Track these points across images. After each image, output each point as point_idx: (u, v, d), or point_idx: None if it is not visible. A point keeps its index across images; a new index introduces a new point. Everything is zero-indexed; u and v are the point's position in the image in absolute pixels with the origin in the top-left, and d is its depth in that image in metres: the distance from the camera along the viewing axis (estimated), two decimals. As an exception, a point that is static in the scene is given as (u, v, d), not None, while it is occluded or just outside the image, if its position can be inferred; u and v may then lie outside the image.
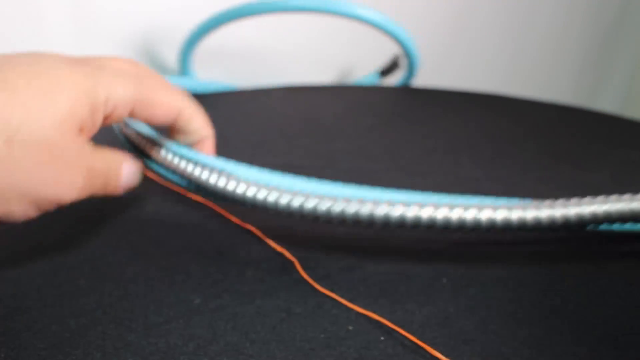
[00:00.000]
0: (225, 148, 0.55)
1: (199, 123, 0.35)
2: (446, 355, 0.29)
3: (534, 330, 0.31)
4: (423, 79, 0.79)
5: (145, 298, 0.33)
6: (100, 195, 0.31)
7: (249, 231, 0.39)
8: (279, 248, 0.37)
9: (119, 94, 0.30)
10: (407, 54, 0.69)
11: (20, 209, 0.28)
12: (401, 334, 0.30)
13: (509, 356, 0.29)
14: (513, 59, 0.92)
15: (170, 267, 0.36)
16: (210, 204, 0.41)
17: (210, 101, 0.68)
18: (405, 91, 0.73)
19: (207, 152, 0.37)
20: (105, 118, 0.30)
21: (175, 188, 0.43)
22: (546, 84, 0.93)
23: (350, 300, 0.32)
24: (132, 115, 0.31)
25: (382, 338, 0.30)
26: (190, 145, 0.36)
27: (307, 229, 0.40)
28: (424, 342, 0.30)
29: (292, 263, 0.36)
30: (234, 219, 0.40)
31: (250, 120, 0.62)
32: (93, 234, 0.38)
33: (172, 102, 0.33)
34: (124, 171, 0.32)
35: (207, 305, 0.32)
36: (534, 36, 0.92)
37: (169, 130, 0.36)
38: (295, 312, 0.32)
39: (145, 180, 0.37)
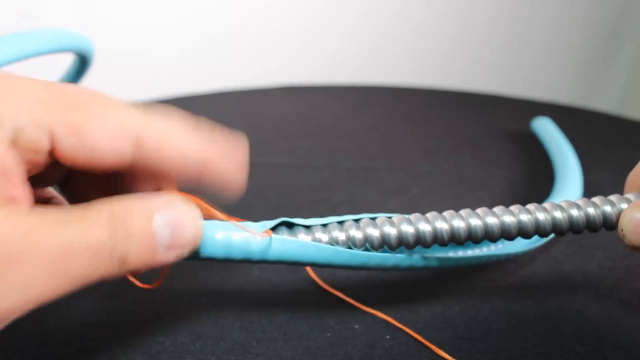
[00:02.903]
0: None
1: (178, 147, 0.23)
2: (451, 355, 0.29)
3: (538, 330, 0.31)
4: (423, 79, 0.80)
5: (153, 297, 0.33)
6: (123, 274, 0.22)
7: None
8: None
9: (22, 113, 0.20)
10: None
11: None
12: (406, 333, 0.30)
13: (514, 355, 0.29)
14: (513, 59, 0.92)
15: (178, 266, 0.35)
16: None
17: (211, 101, 0.68)
18: (405, 91, 0.73)
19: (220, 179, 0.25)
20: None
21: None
22: (546, 84, 0.93)
23: (356, 300, 0.33)
24: (60, 152, 0.21)
25: (387, 337, 0.30)
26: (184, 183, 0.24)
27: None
28: (429, 341, 0.30)
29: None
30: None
31: (250, 120, 0.62)
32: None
33: (121, 128, 0.21)
34: (160, 228, 0.21)
35: (214, 304, 0.32)
36: (534, 36, 0.92)
37: (134, 179, 0.24)
38: (302, 311, 0.32)
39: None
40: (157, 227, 0.21)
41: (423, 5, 0.87)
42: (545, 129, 0.54)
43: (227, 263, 0.26)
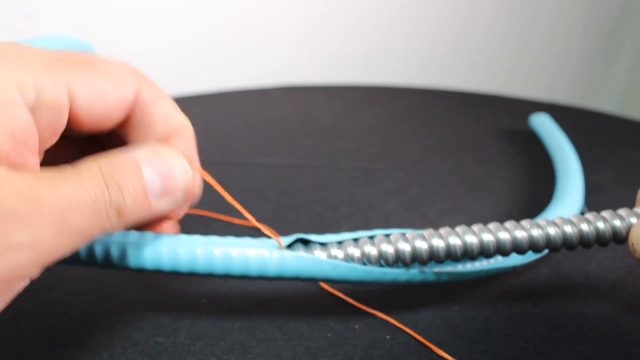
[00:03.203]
0: (226, 148, 0.55)
1: (166, 107, 0.25)
2: (451, 355, 0.29)
3: (539, 329, 0.31)
4: (423, 79, 0.80)
5: (152, 297, 0.33)
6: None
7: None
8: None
9: (38, 78, 0.21)
10: None
11: None
12: (407, 333, 0.30)
13: (514, 355, 0.29)
14: (513, 59, 0.92)
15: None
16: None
17: (211, 101, 0.68)
18: (405, 91, 0.73)
19: (187, 149, 0.25)
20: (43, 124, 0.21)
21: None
22: (546, 84, 0.93)
23: (356, 300, 0.33)
24: (77, 108, 0.22)
25: (387, 337, 0.30)
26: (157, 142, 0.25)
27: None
28: (430, 341, 0.30)
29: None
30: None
31: (250, 120, 0.62)
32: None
33: (125, 78, 0.23)
34: (150, 178, 0.22)
35: (214, 304, 0.32)
36: (534, 36, 0.92)
37: (124, 131, 0.25)
38: (302, 311, 0.32)
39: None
40: (147, 178, 0.22)
41: (423, 5, 0.87)
42: (544, 125, 0.54)
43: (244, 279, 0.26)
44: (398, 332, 0.31)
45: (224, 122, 0.62)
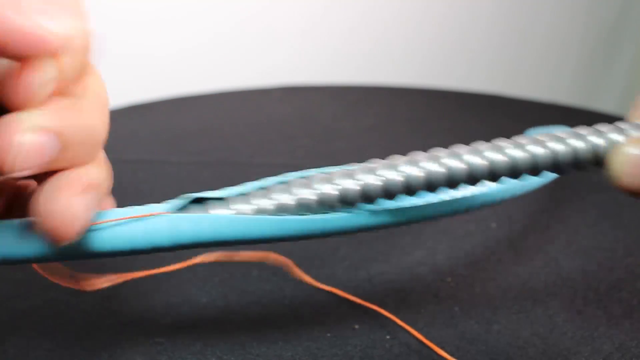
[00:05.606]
0: (226, 148, 0.55)
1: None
2: (451, 354, 0.29)
3: (538, 329, 0.31)
4: (423, 79, 0.79)
5: (152, 297, 0.33)
6: None
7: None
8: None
9: None
10: None
11: None
12: (407, 333, 0.30)
13: (514, 355, 0.29)
14: (513, 59, 0.92)
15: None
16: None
17: (211, 101, 0.68)
18: (406, 91, 0.73)
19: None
20: None
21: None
22: (546, 84, 0.93)
23: (356, 299, 0.33)
24: None
25: (387, 337, 0.30)
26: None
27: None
28: (430, 340, 0.30)
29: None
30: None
31: (250, 120, 0.62)
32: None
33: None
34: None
35: (214, 304, 0.32)
36: (534, 36, 0.92)
37: None
38: (302, 312, 0.32)
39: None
40: None
41: (423, 6, 0.87)
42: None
43: (135, 255, 0.22)
44: (398, 332, 0.31)
45: (224, 122, 0.62)
